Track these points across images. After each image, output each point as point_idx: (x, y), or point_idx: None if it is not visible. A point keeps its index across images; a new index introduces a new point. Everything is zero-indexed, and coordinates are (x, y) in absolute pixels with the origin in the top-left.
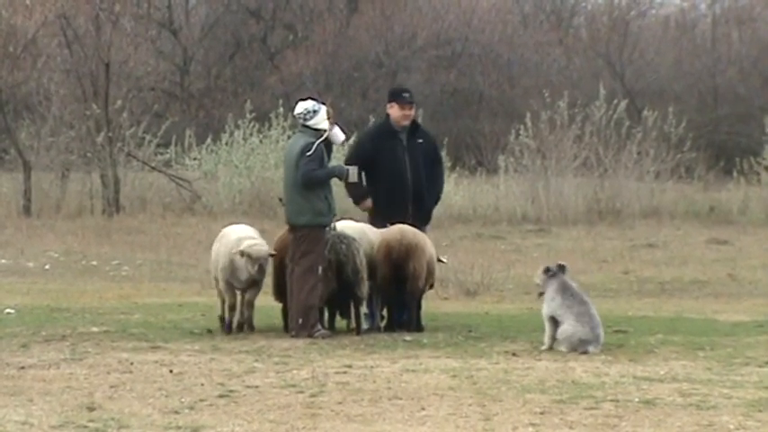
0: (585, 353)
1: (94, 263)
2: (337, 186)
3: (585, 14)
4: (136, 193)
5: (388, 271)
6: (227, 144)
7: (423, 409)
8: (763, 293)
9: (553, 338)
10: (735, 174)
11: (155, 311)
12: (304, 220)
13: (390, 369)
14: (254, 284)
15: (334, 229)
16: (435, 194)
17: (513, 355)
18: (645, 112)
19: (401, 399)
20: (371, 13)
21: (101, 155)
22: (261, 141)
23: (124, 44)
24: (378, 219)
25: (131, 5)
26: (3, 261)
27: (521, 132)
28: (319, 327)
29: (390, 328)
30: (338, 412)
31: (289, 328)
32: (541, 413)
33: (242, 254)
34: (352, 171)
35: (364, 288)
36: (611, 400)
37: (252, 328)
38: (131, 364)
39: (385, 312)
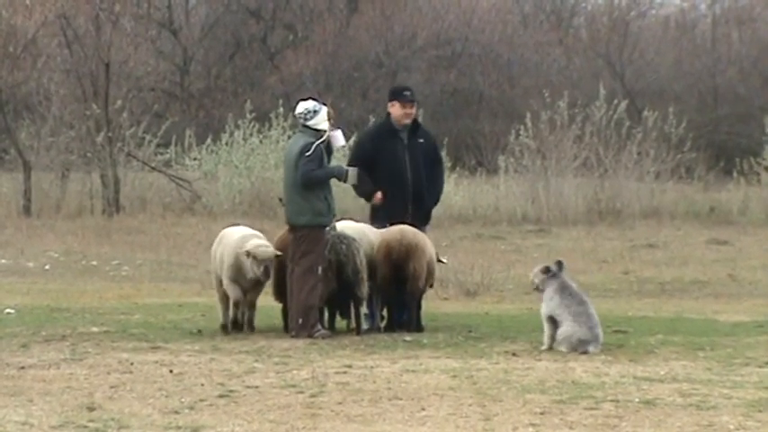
0: (585, 353)
1: (94, 263)
2: (337, 187)
3: (585, 14)
4: (136, 193)
5: (389, 271)
6: (227, 144)
7: (423, 409)
8: (763, 294)
9: (552, 338)
10: (735, 174)
11: (155, 312)
12: (303, 221)
13: (390, 369)
14: (257, 285)
15: (335, 229)
16: (435, 195)
17: (513, 355)
18: (645, 113)
19: (401, 399)
20: (371, 13)
21: (101, 155)
22: (261, 141)
23: (124, 44)
24: (378, 218)
25: (131, 5)
26: (3, 261)
27: (521, 132)
28: (319, 327)
29: (390, 328)
30: (338, 412)
31: (289, 328)
32: (541, 413)
33: (248, 254)
34: (352, 173)
35: (364, 288)
36: (612, 401)
37: (252, 329)
38: (131, 364)
39: (385, 313)
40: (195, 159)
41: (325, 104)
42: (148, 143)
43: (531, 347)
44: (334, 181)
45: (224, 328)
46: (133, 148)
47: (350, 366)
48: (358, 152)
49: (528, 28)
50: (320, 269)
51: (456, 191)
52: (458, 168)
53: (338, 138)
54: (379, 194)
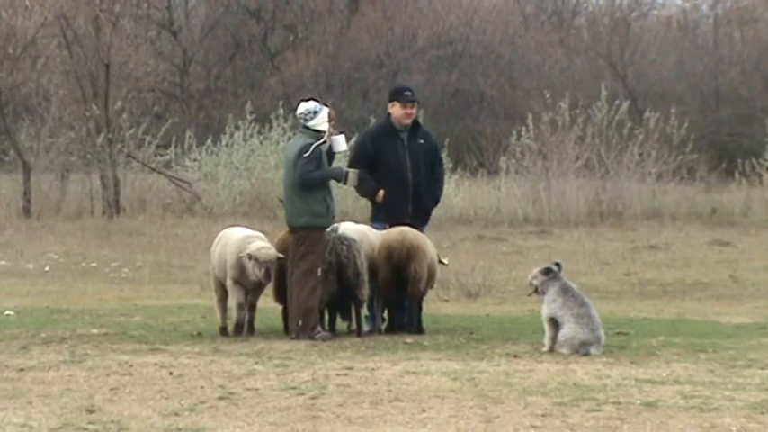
0: (587, 355)
1: (94, 264)
2: (337, 188)
3: (587, 15)
4: (136, 194)
5: (389, 273)
6: (227, 145)
7: (424, 411)
8: (765, 295)
9: (554, 340)
10: (737, 175)
11: (155, 313)
12: (302, 222)
13: (391, 371)
14: (259, 287)
15: (336, 230)
16: (435, 195)
17: (515, 357)
18: (646, 114)
19: (402, 401)
20: (372, 13)
21: (100, 156)
22: (261, 142)
23: (124, 45)
24: (378, 219)
25: (131, 6)
26: (2, 262)
27: (522, 133)
28: (320, 329)
29: (391, 330)
30: (339, 414)
31: (289, 329)
32: (543, 415)
33: (249, 257)
34: (353, 175)
35: (365, 290)
36: (613, 403)
37: (252, 331)
38: (131, 366)
39: (386, 314)
40: (195, 160)
41: (326, 105)
42: (148, 144)
43: (533, 349)
44: (334, 182)
45: (223, 330)
46: (133, 149)
47: (351, 368)
48: (358, 152)
49: (529, 29)
50: (320, 271)
51: (457, 192)
52: (459, 169)
53: (340, 142)
54: (381, 192)
